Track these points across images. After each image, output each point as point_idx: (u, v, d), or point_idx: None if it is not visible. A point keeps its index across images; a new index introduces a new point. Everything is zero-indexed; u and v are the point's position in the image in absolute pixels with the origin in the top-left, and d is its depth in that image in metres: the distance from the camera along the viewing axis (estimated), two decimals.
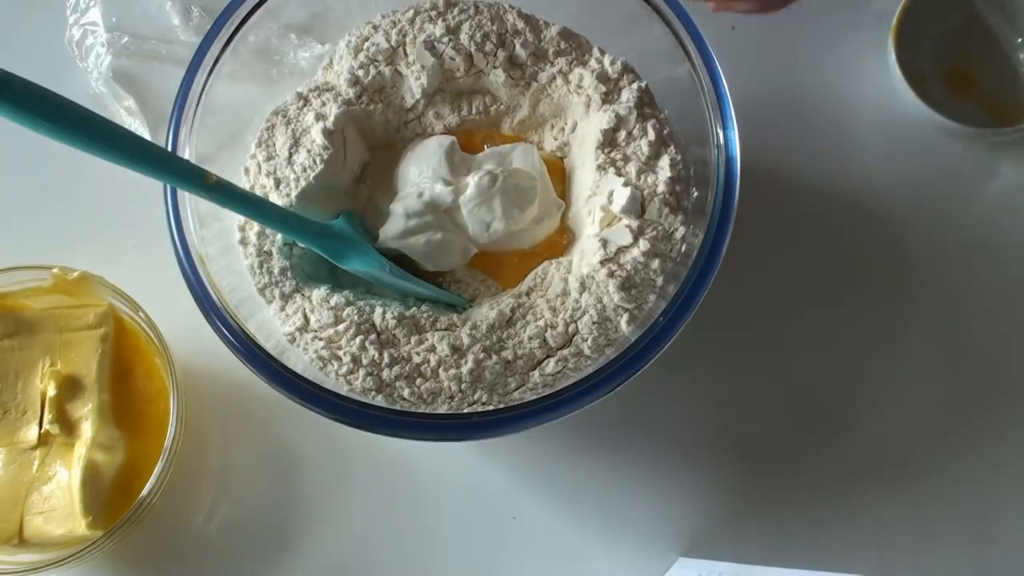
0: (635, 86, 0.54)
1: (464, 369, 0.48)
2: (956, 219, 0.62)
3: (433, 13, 0.55)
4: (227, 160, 0.54)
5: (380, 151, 0.57)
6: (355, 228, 0.54)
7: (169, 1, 0.66)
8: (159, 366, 0.56)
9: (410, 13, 0.56)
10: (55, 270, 0.56)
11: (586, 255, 0.52)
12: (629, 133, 0.53)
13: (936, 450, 0.58)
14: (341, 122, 0.54)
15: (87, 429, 0.53)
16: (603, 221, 0.52)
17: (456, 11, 0.55)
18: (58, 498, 0.52)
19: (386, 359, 0.49)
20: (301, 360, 0.49)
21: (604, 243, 0.51)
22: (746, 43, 0.66)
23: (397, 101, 0.56)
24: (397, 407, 0.48)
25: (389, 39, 0.55)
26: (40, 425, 0.53)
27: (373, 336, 0.49)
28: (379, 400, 0.48)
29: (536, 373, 0.49)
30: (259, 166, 0.54)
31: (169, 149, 0.50)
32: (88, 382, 0.54)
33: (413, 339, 0.50)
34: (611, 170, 0.53)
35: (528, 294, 0.52)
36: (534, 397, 0.46)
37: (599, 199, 0.53)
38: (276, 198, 0.53)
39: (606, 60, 0.55)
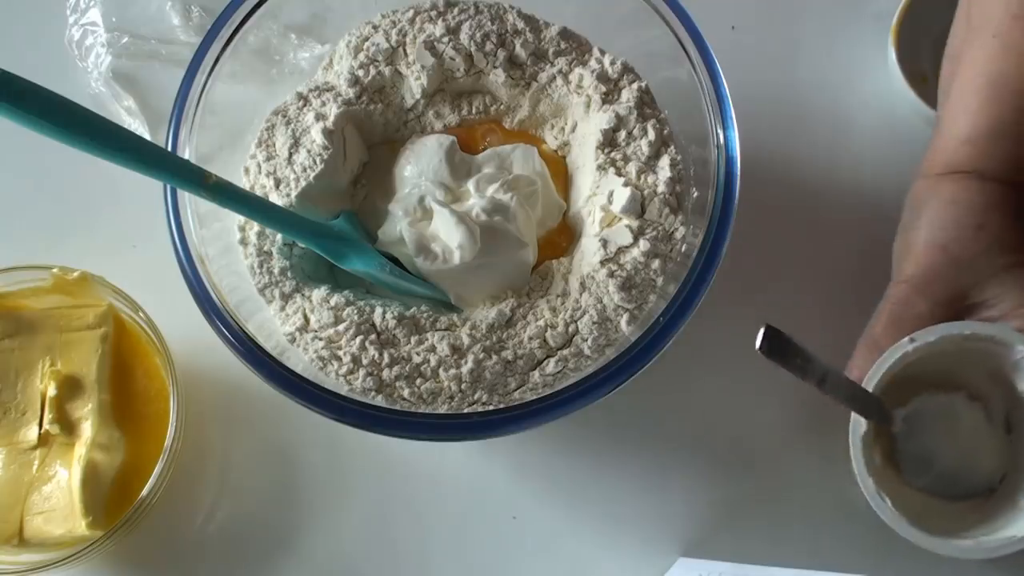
0: (635, 86, 0.54)
1: (464, 369, 0.48)
2: None
3: (433, 13, 0.55)
4: (227, 160, 0.54)
5: (377, 151, 0.57)
6: (355, 228, 0.54)
7: (169, 1, 0.66)
8: (159, 366, 0.56)
9: (410, 13, 0.56)
10: (55, 270, 0.55)
11: (586, 255, 0.52)
12: (629, 133, 0.53)
13: None
14: (341, 122, 0.54)
15: (87, 429, 0.53)
16: (603, 221, 0.52)
17: (456, 11, 0.55)
18: (58, 498, 0.52)
19: (386, 359, 0.49)
20: (301, 360, 0.49)
21: (604, 243, 0.51)
22: (746, 43, 0.66)
23: (397, 101, 0.56)
24: (397, 407, 0.48)
25: (389, 39, 0.55)
26: (40, 425, 0.53)
27: (373, 336, 0.49)
28: (379, 400, 0.48)
29: (536, 373, 0.49)
30: (259, 166, 0.54)
31: (169, 149, 0.50)
32: (88, 382, 0.54)
33: (413, 339, 0.50)
34: (611, 170, 0.53)
35: (528, 294, 0.52)
36: (534, 397, 0.46)
37: (599, 199, 0.53)
38: (276, 198, 0.53)
39: (606, 60, 0.55)
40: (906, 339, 0.47)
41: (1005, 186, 0.48)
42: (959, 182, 0.49)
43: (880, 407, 0.48)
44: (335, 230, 0.53)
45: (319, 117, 0.54)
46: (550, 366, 0.49)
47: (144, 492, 0.52)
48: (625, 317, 0.49)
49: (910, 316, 0.48)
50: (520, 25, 0.55)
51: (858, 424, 0.47)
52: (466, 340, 0.49)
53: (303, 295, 0.51)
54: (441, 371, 0.48)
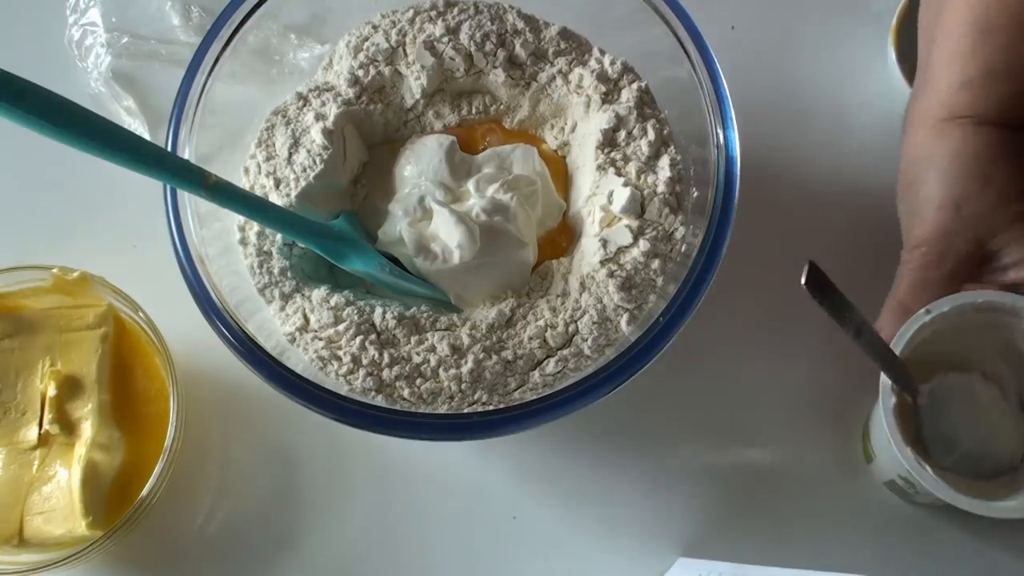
0: (635, 86, 0.54)
1: (464, 369, 0.48)
2: None
3: (433, 13, 0.55)
4: (227, 160, 0.54)
5: (377, 151, 0.57)
6: (355, 228, 0.54)
7: (169, 1, 0.66)
8: (159, 366, 0.56)
9: (410, 13, 0.56)
10: (55, 270, 0.55)
11: (586, 255, 0.52)
12: (629, 133, 0.53)
13: None
14: (341, 122, 0.54)
15: (87, 429, 0.53)
16: (603, 221, 0.52)
17: (456, 11, 0.55)
18: (58, 498, 0.52)
19: (386, 359, 0.49)
20: (301, 360, 0.49)
21: (604, 243, 0.51)
22: (746, 43, 0.66)
23: (397, 101, 0.56)
24: (397, 407, 0.48)
25: (389, 39, 0.55)
26: (40, 425, 0.53)
27: (373, 336, 0.49)
28: (379, 400, 0.48)
29: (536, 373, 0.49)
30: (259, 166, 0.54)
31: (169, 149, 0.50)
32: (88, 382, 0.54)
33: (413, 339, 0.50)
34: (611, 170, 0.53)
35: (528, 294, 0.52)
36: (534, 397, 0.47)
37: (599, 199, 0.53)
38: (276, 198, 0.53)
39: (606, 60, 0.55)
40: (922, 311, 0.47)
41: (1003, 130, 0.48)
42: (959, 129, 0.48)
43: (909, 374, 0.48)
44: (335, 230, 0.53)
45: (319, 117, 0.54)
46: (550, 366, 0.49)
47: (144, 492, 0.52)
48: (625, 317, 0.49)
49: (935, 277, 0.48)
50: (520, 25, 0.55)
51: (887, 395, 0.47)
52: (466, 340, 0.49)
53: (303, 295, 0.51)
54: (441, 371, 0.48)
